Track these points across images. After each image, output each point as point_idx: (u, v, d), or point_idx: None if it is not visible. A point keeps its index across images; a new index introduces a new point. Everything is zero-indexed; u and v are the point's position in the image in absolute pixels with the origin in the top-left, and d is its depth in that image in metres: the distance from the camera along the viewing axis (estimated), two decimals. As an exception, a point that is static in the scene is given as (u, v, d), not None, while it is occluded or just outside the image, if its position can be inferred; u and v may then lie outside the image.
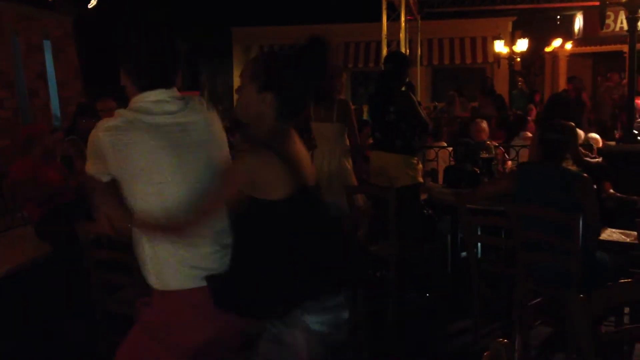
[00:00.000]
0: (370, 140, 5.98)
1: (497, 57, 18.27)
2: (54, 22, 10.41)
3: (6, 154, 8.40)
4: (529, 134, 7.53)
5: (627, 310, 3.98)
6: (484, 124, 6.86)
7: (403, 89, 5.33)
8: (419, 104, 5.64)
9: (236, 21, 19.83)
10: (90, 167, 2.24)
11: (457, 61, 19.16)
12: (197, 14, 18.11)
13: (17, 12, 9.50)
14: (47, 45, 10.27)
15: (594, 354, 1.80)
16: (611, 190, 5.06)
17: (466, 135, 8.73)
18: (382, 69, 5.63)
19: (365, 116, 10.45)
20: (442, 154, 7.01)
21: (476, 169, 5.52)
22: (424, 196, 5.46)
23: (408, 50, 12.70)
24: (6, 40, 9.29)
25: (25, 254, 4.37)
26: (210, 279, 2.17)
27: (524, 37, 17.33)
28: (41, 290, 4.24)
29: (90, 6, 9.33)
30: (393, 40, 12.06)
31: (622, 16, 17.32)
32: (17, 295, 4.09)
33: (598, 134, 7.54)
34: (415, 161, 5.28)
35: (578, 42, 18.96)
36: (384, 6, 11.50)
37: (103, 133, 2.15)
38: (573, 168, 4.48)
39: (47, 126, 6.60)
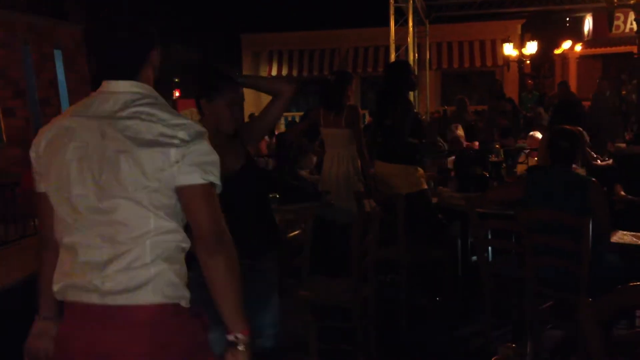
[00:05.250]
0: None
1: (507, 60, 18.23)
2: (64, 32, 10.51)
3: (18, 163, 8.47)
4: (538, 135, 7.54)
5: (639, 313, 3.97)
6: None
7: (402, 96, 5.30)
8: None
9: (245, 28, 19.92)
10: None
11: (466, 65, 19.14)
12: (206, 21, 18.22)
13: (28, 22, 9.60)
14: (58, 54, 10.37)
15: (601, 356, 1.80)
16: (622, 193, 5.02)
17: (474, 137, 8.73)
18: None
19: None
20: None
21: (485, 173, 5.51)
22: (435, 200, 5.46)
23: (417, 55, 12.70)
24: (18, 50, 9.39)
25: (37, 263, 4.39)
26: None
27: (533, 40, 17.29)
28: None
29: None
30: (402, 45, 12.07)
31: (632, 17, 17.27)
32: (29, 304, 4.11)
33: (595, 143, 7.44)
34: (413, 169, 5.25)
35: (588, 44, 18.90)
36: (392, 11, 11.51)
37: None
38: (582, 172, 4.46)
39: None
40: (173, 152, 1.79)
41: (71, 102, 10.55)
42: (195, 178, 1.81)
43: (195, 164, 1.81)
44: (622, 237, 3.99)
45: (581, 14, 18.87)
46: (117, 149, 1.80)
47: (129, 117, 1.83)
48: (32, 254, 4.55)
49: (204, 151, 1.84)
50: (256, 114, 13.10)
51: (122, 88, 1.90)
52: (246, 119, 13.22)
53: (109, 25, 1.97)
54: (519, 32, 18.86)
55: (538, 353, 3.76)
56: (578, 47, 18.88)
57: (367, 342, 3.94)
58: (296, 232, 4.16)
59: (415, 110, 5.52)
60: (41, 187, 1.94)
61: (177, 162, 1.79)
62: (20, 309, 4.00)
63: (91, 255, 1.83)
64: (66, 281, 1.88)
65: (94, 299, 1.82)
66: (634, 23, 8.24)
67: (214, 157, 1.88)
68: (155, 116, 1.83)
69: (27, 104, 9.50)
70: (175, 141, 1.79)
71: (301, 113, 9.03)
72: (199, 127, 1.87)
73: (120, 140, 1.80)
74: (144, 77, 1.94)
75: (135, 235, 1.80)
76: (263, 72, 20.35)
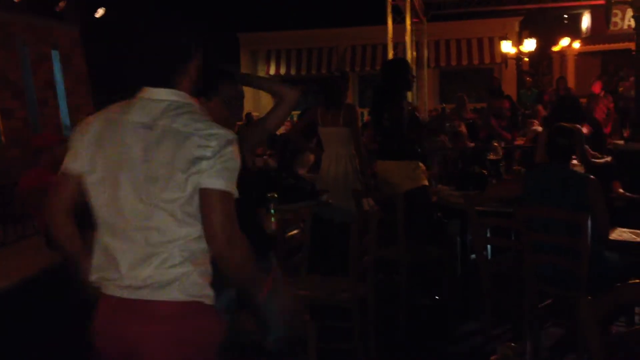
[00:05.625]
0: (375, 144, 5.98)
1: (505, 57, 18.21)
2: (62, 32, 10.47)
3: (17, 164, 8.46)
4: (538, 128, 7.56)
5: (638, 310, 3.97)
6: None
7: (399, 94, 5.29)
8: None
9: (243, 27, 19.88)
10: None
11: (465, 62, 19.13)
12: (203, 20, 18.16)
13: (25, 22, 9.57)
14: (55, 54, 10.34)
15: (601, 354, 1.80)
16: (620, 190, 5.02)
17: (476, 137, 8.73)
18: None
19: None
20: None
21: (484, 171, 5.51)
22: (434, 198, 5.45)
23: (414, 53, 12.68)
24: (15, 51, 9.36)
25: (36, 264, 4.38)
26: None
27: (531, 37, 17.26)
28: (51, 300, 4.26)
29: (97, 16, 9.38)
30: (399, 43, 12.06)
31: (630, 13, 17.24)
32: (28, 305, 4.11)
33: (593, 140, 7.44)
34: (414, 165, 5.25)
35: (586, 41, 18.87)
36: (389, 9, 11.50)
37: None
38: (580, 169, 4.47)
39: (56, 136, 6.65)
40: (204, 163, 1.87)
41: (69, 103, 10.53)
42: (217, 183, 1.88)
43: (220, 170, 1.89)
44: (620, 234, 4.00)
45: (579, 11, 18.84)
46: (155, 160, 1.89)
47: (167, 128, 1.90)
48: (31, 255, 4.54)
49: (231, 157, 1.92)
50: (253, 114, 13.01)
51: (162, 96, 1.97)
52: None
53: (154, 32, 2.04)
54: (517, 29, 18.86)
55: (537, 352, 3.77)
56: (576, 44, 18.85)
57: (367, 342, 3.94)
58: (294, 232, 4.15)
59: (410, 108, 5.50)
60: (76, 167, 1.99)
61: (206, 170, 1.87)
62: (19, 310, 4.00)
63: (124, 255, 1.94)
64: (100, 274, 1.99)
65: (124, 293, 1.93)
66: (632, 20, 8.22)
67: (237, 164, 1.95)
68: (191, 126, 1.90)
69: (25, 104, 9.47)
70: (208, 153, 1.87)
71: (298, 112, 9.02)
72: (230, 135, 1.94)
73: (158, 152, 1.89)
74: (182, 86, 2.02)
75: (167, 240, 1.91)
76: (261, 71, 20.34)
